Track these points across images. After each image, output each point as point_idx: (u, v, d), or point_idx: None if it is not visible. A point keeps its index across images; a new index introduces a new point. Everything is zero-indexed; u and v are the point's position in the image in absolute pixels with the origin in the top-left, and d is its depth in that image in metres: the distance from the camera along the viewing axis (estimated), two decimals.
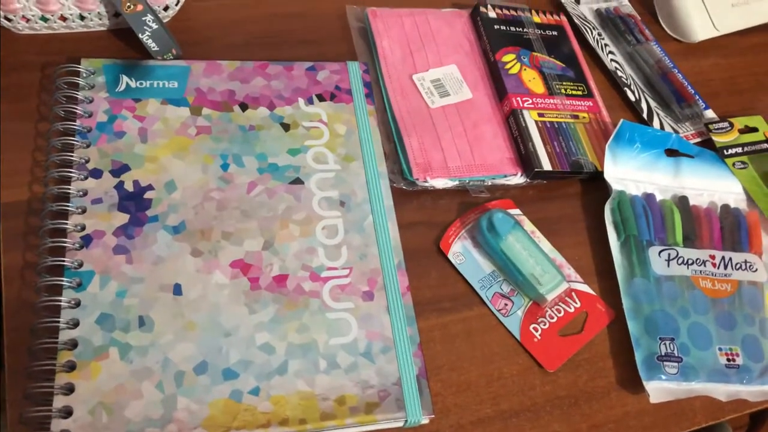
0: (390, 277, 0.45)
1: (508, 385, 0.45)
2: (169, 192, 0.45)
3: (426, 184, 0.51)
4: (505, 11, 0.63)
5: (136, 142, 0.47)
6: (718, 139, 0.60)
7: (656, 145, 0.57)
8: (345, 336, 0.42)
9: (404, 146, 0.52)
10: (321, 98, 0.53)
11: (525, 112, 0.56)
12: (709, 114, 0.63)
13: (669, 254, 0.51)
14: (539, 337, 0.47)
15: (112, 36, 0.54)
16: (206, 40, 0.56)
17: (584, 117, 0.57)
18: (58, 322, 0.39)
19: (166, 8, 0.54)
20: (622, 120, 0.54)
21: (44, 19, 0.50)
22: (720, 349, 0.48)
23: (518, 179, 0.54)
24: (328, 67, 0.55)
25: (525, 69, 0.59)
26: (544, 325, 0.48)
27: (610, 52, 0.64)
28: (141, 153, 0.46)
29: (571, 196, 0.55)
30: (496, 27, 0.61)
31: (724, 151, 0.59)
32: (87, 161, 0.45)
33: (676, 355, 0.47)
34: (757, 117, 0.63)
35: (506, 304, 0.48)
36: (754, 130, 0.62)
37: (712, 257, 0.52)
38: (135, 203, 0.44)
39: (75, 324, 0.39)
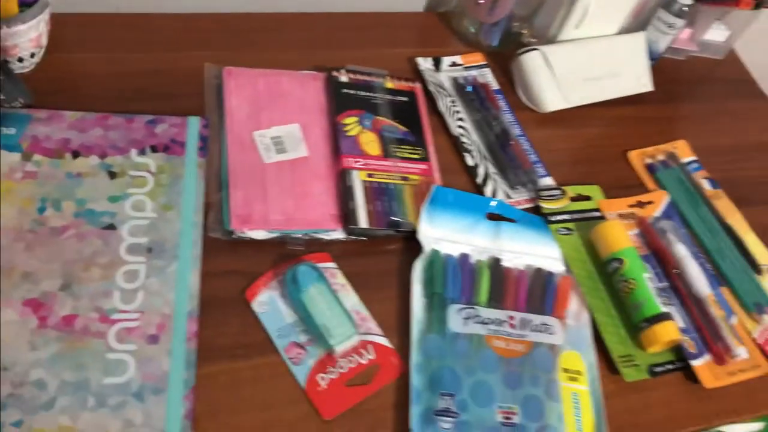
0: (179, 323, 0.48)
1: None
2: None
3: (243, 235, 0.54)
4: (359, 76, 0.67)
5: None
6: (546, 206, 0.63)
7: (477, 208, 0.60)
8: (120, 376, 0.45)
9: (229, 197, 0.56)
10: (154, 149, 0.56)
11: (354, 172, 0.59)
12: (548, 181, 0.67)
13: (468, 313, 0.54)
14: (324, 386, 0.49)
15: None
16: (65, 91, 0.61)
17: (415, 179, 0.61)
18: None
19: (20, 60, 0.58)
20: (434, 185, 0.58)
21: None
22: (500, 408, 0.50)
23: (338, 235, 0.57)
24: (169, 120, 0.58)
25: (364, 131, 0.63)
26: (333, 375, 0.50)
27: (460, 119, 0.68)
28: None
29: (392, 253, 0.58)
30: (344, 91, 0.65)
31: (549, 217, 0.63)
32: None
33: (453, 410, 0.49)
34: (594, 186, 0.67)
35: (299, 353, 0.50)
36: (588, 198, 0.66)
37: (511, 318, 0.55)
38: None
39: None
